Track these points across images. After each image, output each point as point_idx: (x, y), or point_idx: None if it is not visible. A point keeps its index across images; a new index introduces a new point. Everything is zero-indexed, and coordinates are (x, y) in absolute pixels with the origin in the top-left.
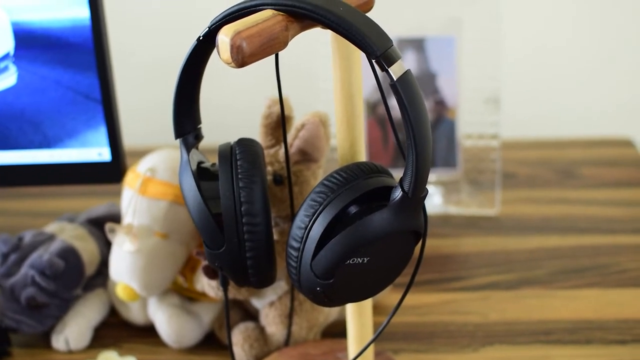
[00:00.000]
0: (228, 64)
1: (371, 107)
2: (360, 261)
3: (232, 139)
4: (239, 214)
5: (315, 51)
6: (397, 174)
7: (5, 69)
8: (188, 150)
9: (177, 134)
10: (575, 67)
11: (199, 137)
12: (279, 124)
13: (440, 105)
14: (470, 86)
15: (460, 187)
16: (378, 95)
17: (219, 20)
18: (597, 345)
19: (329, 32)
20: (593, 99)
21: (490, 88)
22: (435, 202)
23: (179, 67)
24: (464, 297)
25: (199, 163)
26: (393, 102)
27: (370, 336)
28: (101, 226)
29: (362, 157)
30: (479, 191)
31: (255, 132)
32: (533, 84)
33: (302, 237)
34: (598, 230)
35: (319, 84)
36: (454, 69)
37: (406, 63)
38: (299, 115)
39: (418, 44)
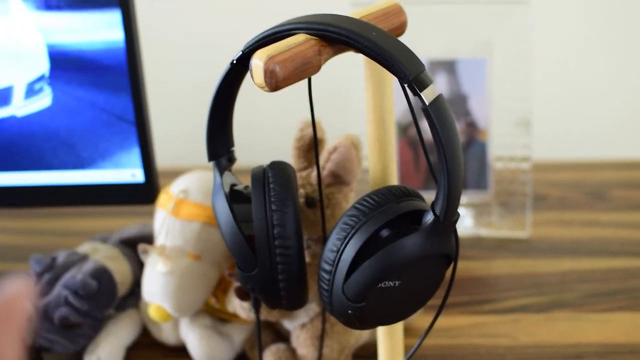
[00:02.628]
0: (261, 88)
1: (402, 129)
2: (392, 284)
3: (264, 159)
4: (272, 237)
5: (347, 73)
6: (429, 195)
7: (40, 90)
8: (221, 173)
9: (211, 157)
10: (606, 89)
11: (232, 159)
12: (311, 146)
13: (472, 127)
14: (501, 108)
15: (491, 209)
16: (409, 117)
17: (253, 44)
18: None
19: (361, 55)
20: (625, 120)
21: (521, 110)
22: (466, 224)
23: (213, 90)
24: (495, 320)
25: (232, 185)
26: (425, 124)
27: (400, 358)
28: (134, 247)
29: (394, 180)
30: (509, 213)
31: (287, 153)
32: (564, 105)
33: (335, 260)
34: (629, 254)
35: (351, 105)
36: (485, 90)
37: (438, 85)
38: (331, 137)
39: (449, 66)
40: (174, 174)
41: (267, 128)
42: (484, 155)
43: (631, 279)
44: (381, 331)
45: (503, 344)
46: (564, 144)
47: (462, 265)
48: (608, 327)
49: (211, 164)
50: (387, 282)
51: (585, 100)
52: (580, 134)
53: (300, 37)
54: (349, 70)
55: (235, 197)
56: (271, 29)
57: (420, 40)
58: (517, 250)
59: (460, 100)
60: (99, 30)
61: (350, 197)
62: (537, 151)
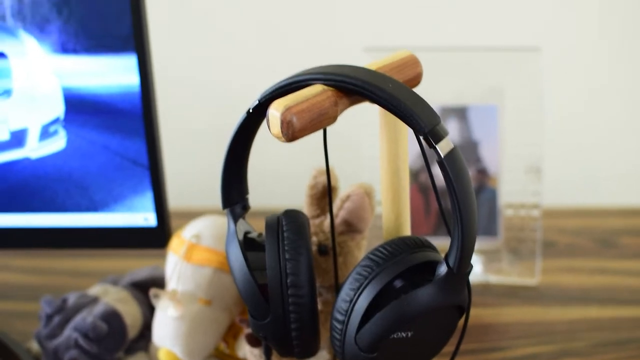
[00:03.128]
0: (278, 138)
1: (413, 175)
2: (405, 335)
3: (273, 203)
4: (285, 286)
5: (358, 118)
6: (438, 242)
7: (55, 132)
8: (235, 221)
9: (225, 204)
10: (616, 136)
11: (246, 207)
12: (324, 194)
13: (482, 173)
14: (511, 154)
15: (501, 256)
16: (420, 162)
17: (269, 93)
18: None
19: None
20: (635, 167)
21: (531, 157)
22: (475, 270)
23: (228, 139)
24: None
25: (246, 233)
26: (436, 172)
27: None
28: (144, 289)
29: (407, 230)
30: (519, 260)
31: (295, 196)
32: (573, 152)
33: (347, 310)
34: (638, 302)
35: (362, 151)
36: (496, 137)
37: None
38: (343, 184)
39: (460, 113)
40: (185, 215)
41: (275, 172)
42: (494, 202)
43: None
44: None
45: None
46: (573, 190)
47: (471, 312)
48: None
49: (226, 211)
50: (399, 333)
51: (595, 147)
52: (590, 180)
53: (317, 88)
54: (359, 115)
55: (249, 245)
56: (288, 78)
57: (432, 87)
58: (527, 298)
59: (471, 146)
60: (115, 74)
61: (363, 245)
62: (546, 196)
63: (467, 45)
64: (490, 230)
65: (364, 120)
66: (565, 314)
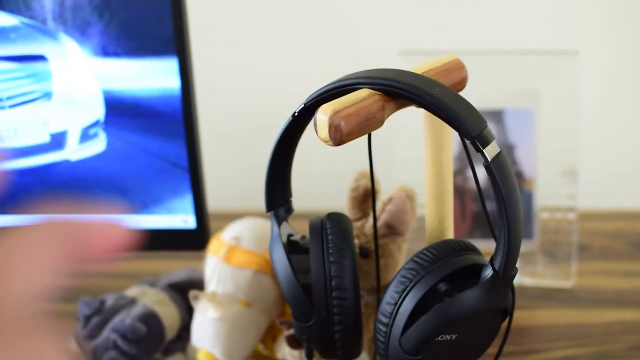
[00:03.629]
0: (326, 142)
1: None
2: (449, 338)
3: (314, 205)
4: (329, 288)
5: (391, 121)
6: (474, 244)
7: (95, 135)
8: (279, 223)
9: (269, 207)
10: None
11: (289, 210)
12: (366, 197)
13: (518, 177)
14: (547, 158)
15: (536, 258)
16: (455, 165)
17: (315, 97)
18: None
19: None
20: None
21: (567, 160)
22: None
23: (273, 142)
24: None
25: (289, 236)
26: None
27: None
28: (181, 291)
29: (451, 233)
30: (554, 263)
31: (332, 198)
32: (608, 155)
33: (392, 313)
34: None
35: (395, 154)
36: (532, 140)
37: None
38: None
39: (497, 116)
40: (223, 217)
41: (314, 174)
42: (529, 205)
43: None
44: None
45: None
46: (607, 193)
47: None
48: None
49: (265, 210)
50: (444, 336)
51: (630, 150)
52: (624, 183)
53: (364, 92)
54: (392, 117)
55: (292, 247)
56: (334, 82)
57: (469, 90)
58: (562, 300)
59: (507, 150)
60: (155, 78)
61: (404, 248)
62: (580, 199)
63: (504, 48)
64: (526, 233)
65: (397, 123)
66: (600, 316)
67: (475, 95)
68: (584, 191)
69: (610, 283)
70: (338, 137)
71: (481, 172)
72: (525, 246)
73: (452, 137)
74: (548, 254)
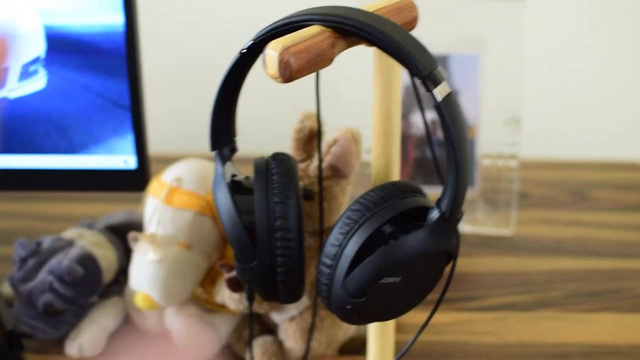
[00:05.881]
0: (274, 78)
1: None
2: (393, 280)
3: (255, 148)
4: (273, 229)
5: (339, 63)
6: None
7: (35, 72)
8: (223, 163)
9: (214, 146)
10: (596, 89)
11: (234, 149)
12: (311, 138)
13: None
14: (491, 105)
15: (477, 206)
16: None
17: (265, 33)
18: None
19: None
20: (612, 121)
21: (511, 108)
22: None
23: (220, 80)
24: (479, 318)
25: (233, 176)
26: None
27: (391, 354)
28: (120, 233)
29: (397, 175)
30: (494, 210)
31: (279, 141)
32: (551, 105)
33: (336, 255)
34: (612, 254)
35: (341, 98)
36: (476, 87)
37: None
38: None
39: (442, 61)
40: (164, 160)
41: (257, 115)
42: (472, 152)
43: (615, 280)
44: (373, 327)
45: (488, 341)
46: (549, 142)
47: None
48: (592, 328)
49: (214, 153)
50: (388, 278)
51: (574, 100)
52: (566, 133)
53: (315, 29)
54: (337, 61)
55: (236, 187)
56: (284, 18)
57: (413, 33)
58: (502, 248)
59: None
60: (99, 13)
61: (348, 190)
62: (522, 148)
63: None
64: None
65: (342, 67)
66: (540, 264)
67: (421, 39)
68: (526, 140)
69: (550, 232)
70: (287, 73)
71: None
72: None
73: (400, 78)
74: (489, 201)
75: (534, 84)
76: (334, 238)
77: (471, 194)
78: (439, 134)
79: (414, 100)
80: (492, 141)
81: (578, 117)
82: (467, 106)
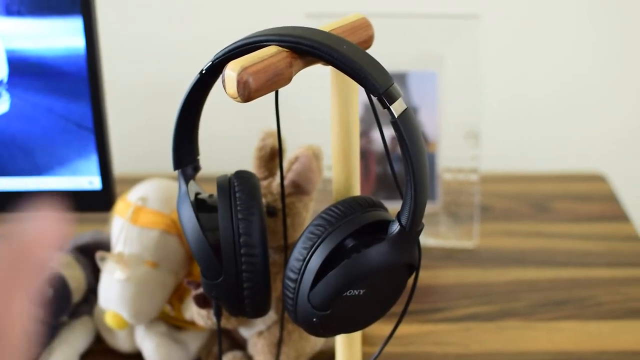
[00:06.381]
0: (234, 98)
1: None
2: (357, 293)
3: (219, 167)
4: (238, 245)
5: (298, 82)
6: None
7: None
8: (187, 182)
9: (176, 166)
10: (552, 103)
11: (197, 168)
12: (273, 156)
13: None
14: (450, 121)
15: (439, 219)
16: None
17: (224, 54)
18: None
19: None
20: (569, 134)
21: (470, 123)
22: None
23: (181, 100)
24: (445, 329)
25: (197, 194)
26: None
27: None
28: (88, 254)
29: (357, 190)
30: (457, 224)
31: (239, 160)
32: (511, 118)
33: (300, 269)
34: (574, 264)
35: (301, 116)
36: (435, 103)
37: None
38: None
39: (400, 79)
40: (129, 181)
41: (218, 137)
42: (432, 166)
43: (577, 288)
44: (340, 339)
45: (454, 351)
46: (509, 157)
47: None
48: (556, 336)
49: (172, 170)
50: (352, 291)
51: (532, 114)
52: (525, 147)
53: (272, 49)
54: (298, 79)
55: (200, 205)
56: (242, 39)
57: (373, 52)
58: (465, 260)
59: None
60: (60, 37)
61: (310, 206)
62: (483, 162)
63: (406, 11)
64: (429, 194)
65: (302, 86)
66: (503, 275)
67: (379, 58)
68: (486, 154)
69: (512, 243)
70: (246, 93)
71: (388, 133)
72: (428, 207)
73: (357, 96)
74: (451, 215)
75: (492, 99)
76: (297, 253)
77: (433, 207)
78: (399, 150)
79: (374, 117)
80: (452, 156)
81: (537, 131)
82: (427, 122)
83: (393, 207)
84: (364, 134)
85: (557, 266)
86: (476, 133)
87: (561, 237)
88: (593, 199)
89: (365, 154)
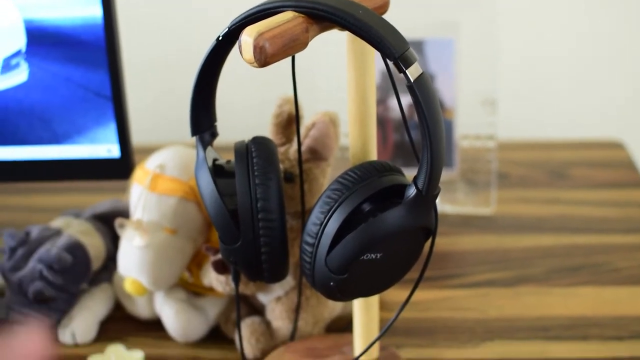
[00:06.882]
0: (250, 63)
1: None
2: (374, 257)
3: (235, 135)
4: (255, 210)
5: (315, 49)
6: None
7: (17, 65)
8: (204, 148)
9: (194, 132)
10: (568, 70)
11: (214, 134)
12: (289, 122)
13: None
14: (467, 88)
15: (457, 186)
16: (376, 95)
17: (240, 20)
18: (595, 341)
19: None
20: (586, 101)
21: (487, 90)
22: None
23: (198, 66)
24: (463, 294)
25: (214, 160)
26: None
27: (376, 331)
28: (106, 221)
29: (374, 156)
30: (474, 191)
31: (257, 127)
32: (528, 86)
33: (318, 233)
34: (591, 230)
35: (318, 83)
36: (452, 71)
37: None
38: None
39: (417, 46)
40: (147, 149)
41: (235, 103)
42: (450, 133)
43: (593, 254)
44: (357, 304)
45: (471, 317)
46: (527, 124)
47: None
48: (573, 301)
49: (191, 138)
50: (369, 255)
51: (549, 81)
52: (543, 114)
53: (288, 15)
54: (316, 45)
55: (218, 171)
56: (259, 5)
57: (388, 19)
58: (482, 227)
59: None
60: (77, 6)
61: (328, 172)
62: (500, 130)
63: None
64: (447, 161)
65: (319, 53)
66: (520, 242)
67: (396, 25)
68: (503, 121)
69: (529, 210)
70: (263, 58)
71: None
72: (445, 174)
73: (374, 61)
74: (468, 181)
75: (509, 66)
76: (315, 217)
77: (451, 174)
78: (416, 117)
79: (391, 84)
80: (469, 123)
81: (553, 98)
82: (444, 89)
83: (410, 174)
84: (381, 101)
85: (573, 232)
86: (493, 100)
87: (578, 204)
88: (610, 165)
89: (382, 122)
